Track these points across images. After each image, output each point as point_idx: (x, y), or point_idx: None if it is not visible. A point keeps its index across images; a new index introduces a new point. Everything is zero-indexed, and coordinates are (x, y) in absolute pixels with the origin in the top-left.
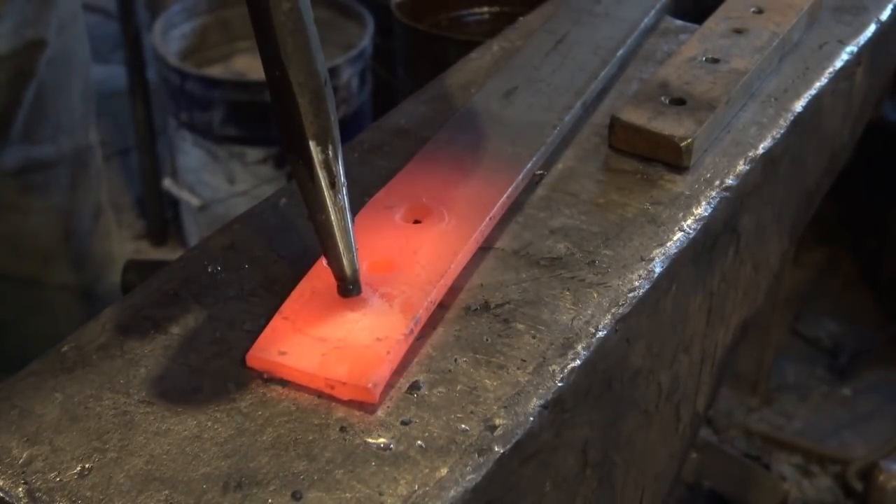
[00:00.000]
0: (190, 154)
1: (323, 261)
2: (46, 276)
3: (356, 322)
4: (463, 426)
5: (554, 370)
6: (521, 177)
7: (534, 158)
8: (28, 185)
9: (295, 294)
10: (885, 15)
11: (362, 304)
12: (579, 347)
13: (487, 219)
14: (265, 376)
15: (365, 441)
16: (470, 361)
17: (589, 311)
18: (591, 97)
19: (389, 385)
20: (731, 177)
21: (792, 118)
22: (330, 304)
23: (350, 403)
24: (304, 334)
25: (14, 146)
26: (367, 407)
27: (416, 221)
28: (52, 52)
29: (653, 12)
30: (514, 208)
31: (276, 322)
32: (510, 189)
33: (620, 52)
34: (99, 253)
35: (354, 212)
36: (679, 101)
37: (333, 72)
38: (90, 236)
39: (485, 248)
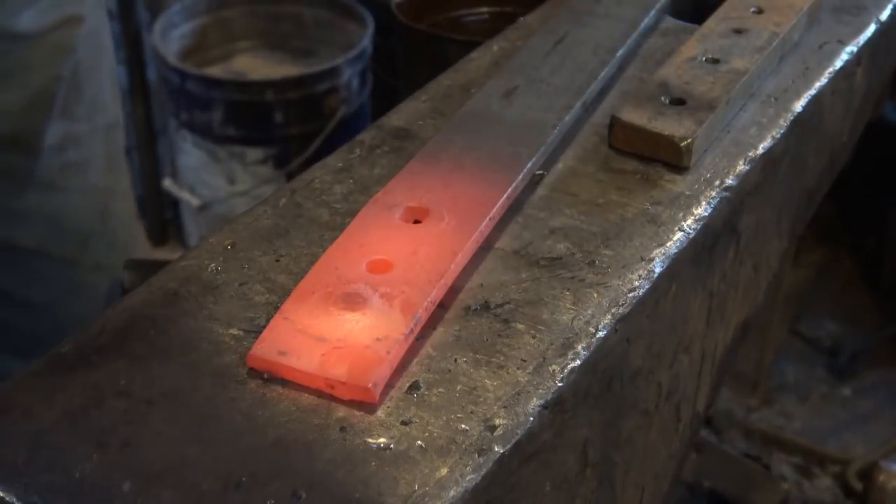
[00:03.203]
0: (190, 154)
1: (323, 261)
2: (84, 256)
3: (356, 322)
4: (463, 426)
5: (554, 370)
6: (521, 177)
7: (534, 158)
8: (67, 163)
9: (295, 294)
10: (885, 15)
11: (362, 305)
12: (579, 347)
13: (487, 219)
14: (265, 376)
15: (365, 441)
16: (470, 361)
17: (589, 311)
18: (591, 97)
19: (389, 385)
20: (731, 177)
21: (792, 118)
22: (330, 304)
23: (350, 403)
24: (304, 334)
25: (55, 122)
26: (367, 407)
27: (416, 221)
28: (88, 27)
29: (653, 12)
30: (514, 208)
31: (276, 322)
32: (510, 189)
33: (620, 52)
34: (127, 234)
35: (354, 212)
36: (679, 101)
37: (333, 72)
38: (123, 216)
39: (485, 248)
